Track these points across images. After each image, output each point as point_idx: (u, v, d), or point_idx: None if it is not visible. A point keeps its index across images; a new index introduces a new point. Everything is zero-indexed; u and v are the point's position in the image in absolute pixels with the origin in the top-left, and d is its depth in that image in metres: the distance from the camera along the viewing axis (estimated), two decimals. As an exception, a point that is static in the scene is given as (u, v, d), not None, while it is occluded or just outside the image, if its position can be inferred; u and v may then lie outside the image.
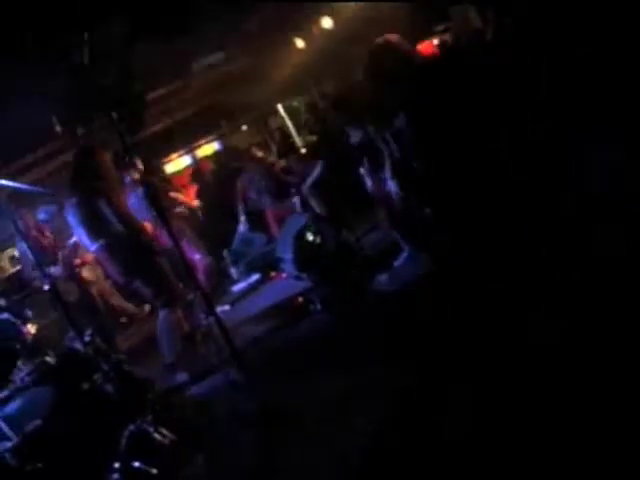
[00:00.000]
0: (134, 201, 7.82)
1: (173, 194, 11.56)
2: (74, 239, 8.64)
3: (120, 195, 6.59)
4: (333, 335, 6.23)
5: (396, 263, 7.00)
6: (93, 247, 6.57)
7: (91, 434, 4.74)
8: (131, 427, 4.63)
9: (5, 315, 5.72)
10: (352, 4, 11.57)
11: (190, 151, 15.14)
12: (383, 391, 4.49)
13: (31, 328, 6.03)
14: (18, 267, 10.37)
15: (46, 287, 4.84)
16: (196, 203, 12.04)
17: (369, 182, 7.16)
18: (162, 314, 6.71)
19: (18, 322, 5.77)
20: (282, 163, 11.76)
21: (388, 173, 6.63)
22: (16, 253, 10.46)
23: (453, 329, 4.83)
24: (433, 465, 3.51)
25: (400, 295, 6.32)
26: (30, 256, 8.21)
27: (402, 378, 4.53)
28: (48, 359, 5.11)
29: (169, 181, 13.70)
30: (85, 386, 4.87)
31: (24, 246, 8.50)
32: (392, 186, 6.61)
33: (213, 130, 15.36)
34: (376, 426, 4.14)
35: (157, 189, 9.05)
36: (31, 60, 6.80)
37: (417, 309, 5.60)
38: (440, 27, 13.69)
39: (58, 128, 9.74)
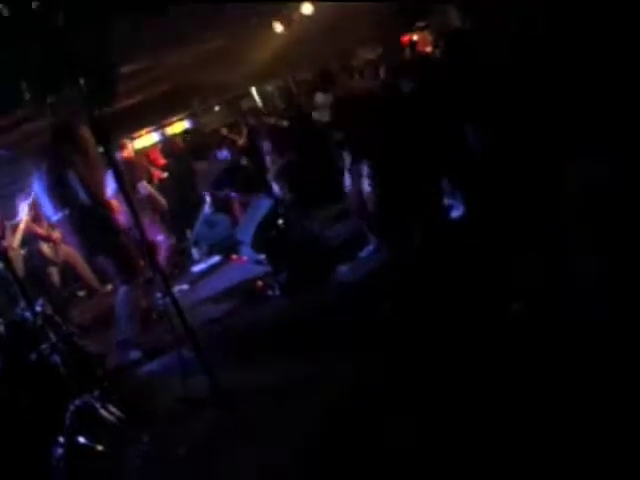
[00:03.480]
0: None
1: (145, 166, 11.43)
2: (25, 214, 8.56)
3: (92, 170, 6.49)
4: (289, 321, 6.22)
5: (361, 254, 7.01)
6: (56, 216, 6.52)
7: (36, 406, 4.67)
8: (77, 402, 4.56)
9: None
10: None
11: (160, 128, 15.01)
12: (334, 378, 4.49)
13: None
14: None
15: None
16: (163, 176, 11.95)
17: (347, 176, 7.16)
18: (122, 290, 6.66)
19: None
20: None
21: (366, 171, 6.71)
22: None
23: (408, 321, 4.86)
24: (378, 452, 3.51)
25: (360, 286, 6.34)
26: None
27: (352, 366, 4.56)
28: (-4, 327, 5.03)
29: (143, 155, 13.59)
30: (33, 356, 4.78)
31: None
32: (368, 183, 6.71)
33: (185, 108, 15.25)
34: (325, 412, 4.14)
35: (127, 163, 9.00)
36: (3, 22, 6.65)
37: (374, 301, 5.61)
38: (421, 23, 13.70)
39: (27, 95, 9.58)
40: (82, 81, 4.46)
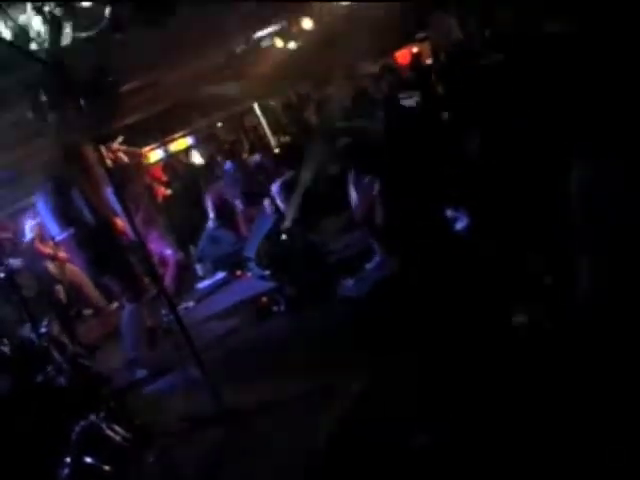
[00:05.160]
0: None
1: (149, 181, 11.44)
2: (33, 233, 8.58)
3: (97, 189, 6.51)
4: (295, 337, 6.22)
5: (367, 266, 7.01)
6: (61, 236, 6.55)
7: (42, 427, 4.66)
8: (83, 422, 4.55)
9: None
10: (333, 6, 11.53)
11: (163, 145, 15.04)
12: (339, 395, 4.47)
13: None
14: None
15: (1, 275, 4.76)
16: (167, 192, 11.96)
17: (352, 188, 7.16)
18: (128, 309, 6.66)
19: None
20: (256, 158, 11.70)
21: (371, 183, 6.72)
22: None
23: (413, 336, 4.85)
24: (384, 469, 3.49)
25: (365, 300, 6.33)
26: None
27: (357, 383, 4.53)
28: (2, 348, 5.02)
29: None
30: (39, 378, 4.78)
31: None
32: (377, 195, 6.72)
33: (187, 125, 15.27)
34: (330, 430, 4.12)
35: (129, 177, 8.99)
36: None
37: (380, 315, 5.60)
38: (420, 35, 13.72)
39: (30, 114, 9.61)
40: (82, 100, 4.45)
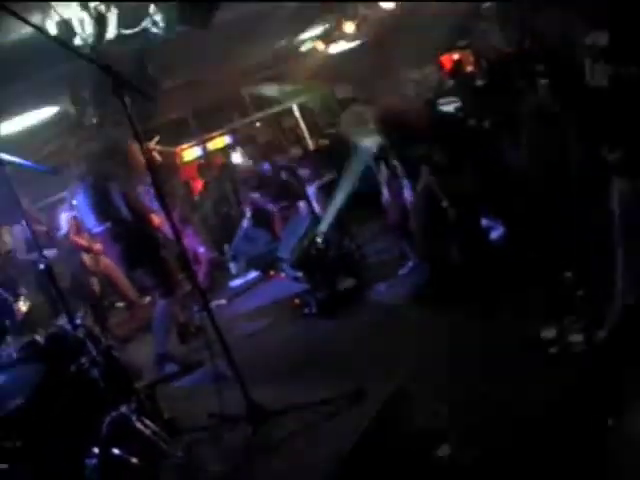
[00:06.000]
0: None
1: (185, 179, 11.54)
2: (69, 226, 8.67)
3: (135, 184, 6.58)
4: (325, 339, 6.23)
5: (400, 272, 7.00)
6: (98, 229, 6.64)
7: (73, 417, 4.70)
8: (113, 414, 4.59)
9: (-3, 290, 5.70)
10: (376, 10, 11.52)
11: (201, 143, 15.10)
12: (367, 397, 4.47)
13: (23, 306, 6.01)
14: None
15: (41, 267, 4.81)
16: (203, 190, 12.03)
17: (385, 190, 7.16)
18: (160, 304, 6.72)
19: (10, 299, 5.75)
20: (293, 159, 11.72)
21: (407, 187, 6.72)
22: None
23: (442, 342, 4.85)
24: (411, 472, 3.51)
25: (397, 305, 6.32)
26: (23, 237, 8.26)
27: (386, 387, 4.54)
28: (37, 338, 5.07)
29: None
30: (72, 368, 4.82)
31: (18, 228, 8.53)
32: (409, 197, 6.71)
33: (226, 124, 15.32)
34: (358, 432, 4.13)
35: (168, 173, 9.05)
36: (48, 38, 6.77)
37: (411, 320, 5.60)
38: (462, 42, 13.66)
39: (71, 108, 9.73)
40: (124, 96, 4.49)
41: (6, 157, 4.50)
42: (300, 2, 9.53)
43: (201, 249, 10.22)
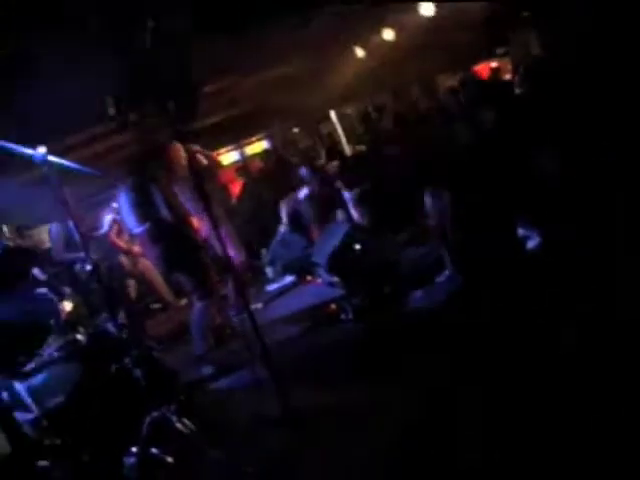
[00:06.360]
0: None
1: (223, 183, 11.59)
2: (110, 227, 8.77)
3: (175, 186, 6.65)
4: (361, 345, 6.25)
5: (437, 279, 7.01)
6: (137, 230, 6.70)
7: (113, 416, 4.78)
8: (154, 414, 4.66)
9: (43, 290, 5.78)
10: (415, 18, 11.51)
11: (239, 147, 15.19)
12: (405, 403, 4.51)
13: (66, 305, 6.09)
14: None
15: (88, 268, 4.90)
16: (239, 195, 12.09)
17: (427, 196, 7.17)
18: (198, 306, 6.77)
19: (55, 298, 5.83)
20: (334, 165, 11.74)
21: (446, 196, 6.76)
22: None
23: (478, 351, 4.86)
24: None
25: (434, 313, 6.33)
26: (60, 236, 8.36)
27: (423, 393, 4.59)
28: (79, 337, 5.15)
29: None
30: (112, 368, 4.90)
31: (56, 227, 8.64)
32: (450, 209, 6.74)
33: (264, 129, 15.39)
34: (394, 436, 4.16)
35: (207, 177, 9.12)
36: (92, 40, 6.86)
37: (448, 328, 5.61)
38: (500, 50, 13.66)
39: (112, 111, 9.83)
40: (165, 99, 4.56)
41: (55, 159, 4.58)
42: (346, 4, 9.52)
43: (231, 252, 10.25)
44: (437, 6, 11.09)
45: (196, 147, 7.19)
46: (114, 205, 8.55)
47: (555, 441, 3.45)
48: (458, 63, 13.32)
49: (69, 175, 4.90)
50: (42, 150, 4.58)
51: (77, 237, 4.93)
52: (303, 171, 10.81)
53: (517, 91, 9.12)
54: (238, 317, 7.14)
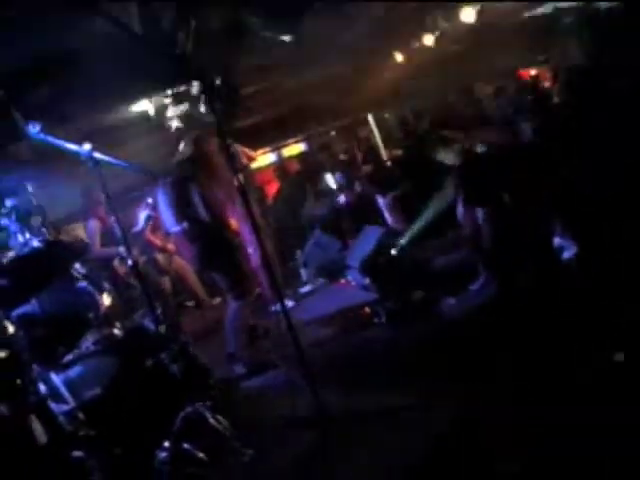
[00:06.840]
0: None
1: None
2: (146, 224, 8.84)
3: (215, 187, 6.69)
4: (394, 349, 6.26)
5: (472, 286, 7.01)
6: (175, 228, 6.75)
7: (147, 410, 4.84)
8: (188, 409, 4.71)
9: (84, 284, 5.86)
10: (457, 24, 11.49)
11: (276, 149, 15.21)
12: (436, 408, 4.54)
13: (106, 299, 6.17)
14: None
15: (130, 262, 4.97)
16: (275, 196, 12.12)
17: (460, 204, 7.17)
18: (233, 306, 6.81)
19: (95, 292, 5.91)
20: (367, 169, 11.76)
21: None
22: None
23: (510, 358, 4.86)
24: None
25: (467, 319, 6.34)
26: (96, 232, 8.46)
27: (455, 398, 4.59)
28: (116, 331, 5.23)
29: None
30: (148, 363, 4.96)
31: (92, 224, 8.74)
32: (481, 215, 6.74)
33: (302, 131, 15.40)
34: (426, 441, 4.18)
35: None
36: (135, 41, 6.94)
37: (480, 335, 5.62)
38: (541, 57, 13.59)
39: (152, 111, 9.96)
40: (207, 98, 4.62)
41: (100, 156, 4.66)
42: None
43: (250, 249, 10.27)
44: (478, 13, 11.07)
45: (240, 147, 7.23)
46: (149, 201, 8.60)
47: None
48: (497, 70, 13.29)
49: (108, 171, 4.98)
50: (87, 146, 4.67)
51: (117, 233, 5.02)
52: (338, 177, 10.84)
53: (556, 100, 9.10)
54: (274, 317, 7.17)
